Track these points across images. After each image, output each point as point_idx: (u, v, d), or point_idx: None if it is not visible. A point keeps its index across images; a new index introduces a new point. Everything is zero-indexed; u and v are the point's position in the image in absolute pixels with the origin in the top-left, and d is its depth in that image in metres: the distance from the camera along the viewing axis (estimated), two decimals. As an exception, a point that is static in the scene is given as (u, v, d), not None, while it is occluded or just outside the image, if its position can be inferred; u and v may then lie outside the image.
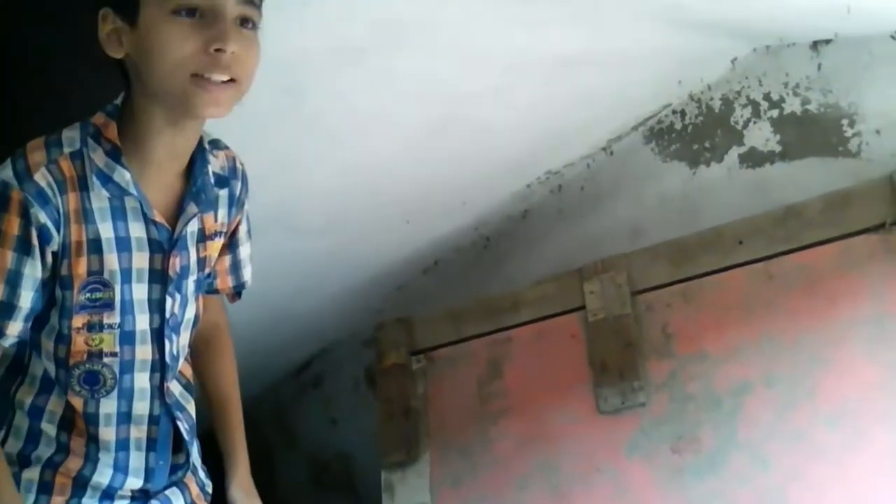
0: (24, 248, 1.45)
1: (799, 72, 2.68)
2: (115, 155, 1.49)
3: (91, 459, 1.60)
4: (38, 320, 1.54)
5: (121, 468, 1.61)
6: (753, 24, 2.58)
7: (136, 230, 1.53)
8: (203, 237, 1.64)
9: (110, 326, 1.54)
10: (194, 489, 1.75)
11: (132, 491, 1.64)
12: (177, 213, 1.57)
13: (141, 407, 1.61)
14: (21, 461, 1.58)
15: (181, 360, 1.69)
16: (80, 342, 1.53)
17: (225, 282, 1.80)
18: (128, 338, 1.56)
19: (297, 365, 3.87)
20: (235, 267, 1.79)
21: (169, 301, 1.59)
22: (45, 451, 1.58)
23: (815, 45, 2.65)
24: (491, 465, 2.67)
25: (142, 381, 1.60)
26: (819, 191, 2.47)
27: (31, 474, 1.57)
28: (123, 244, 1.52)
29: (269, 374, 3.80)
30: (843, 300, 2.35)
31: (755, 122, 2.77)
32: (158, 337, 1.60)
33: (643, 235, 2.87)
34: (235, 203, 1.70)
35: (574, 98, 2.73)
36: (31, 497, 1.56)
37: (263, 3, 1.49)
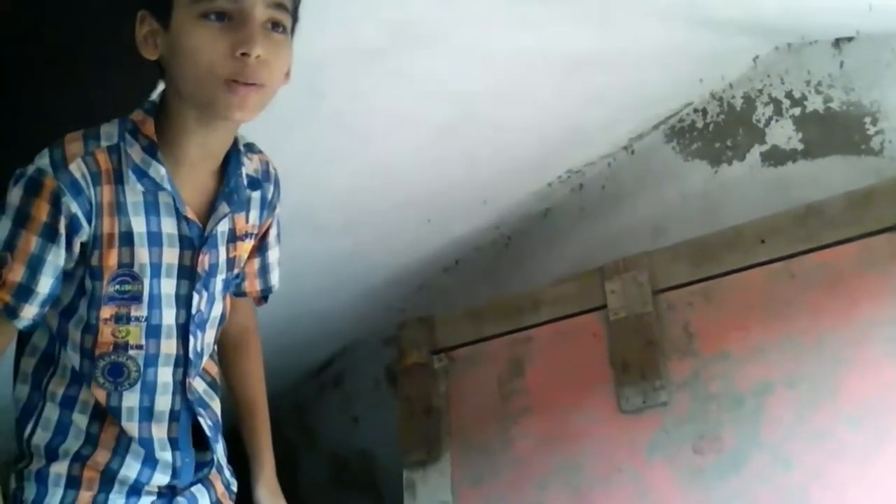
0: (49, 235, 1.47)
1: (821, 69, 2.67)
2: (151, 150, 1.51)
3: (119, 453, 1.61)
4: (68, 310, 1.56)
5: (147, 463, 1.62)
6: (775, 22, 2.57)
7: (168, 226, 1.55)
8: (233, 237, 1.66)
9: (137, 319, 1.56)
10: (219, 487, 1.75)
11: (159, 487, 1.64)
12: (208, 211, 1.59)
13: (163, 402, 1.62)
14: (48, 454, 1.59)
15: (205, 358, 1.70)
16: (107, 333, 1.55)
17: (253, 285, 1.81)
18: (154, 331, 1.58)
19: (318, 364, 3.88)
20: (264, 270, 1.81)
21: (196, 297, 1.60)
22: (73, 443, 1.60)
23: (838, 42, 2.64)
24: (512, 464, 2.67)
25: (165, 375, 1.62)
26: (841, 189, 2.46)
27: (60, 468, 1.59)
28: (155, 239, 1.54)
29: (291, 373, 3.81)
30: (865, 299, 2.33)
31: (777, 121, 2.76)
32: (183, 332, 1.61)
33: (664, 234, 2.86)
34: (267, 206, 1.72)
35: (594, 97, 2.73)
36: (60, 492, 1.58)
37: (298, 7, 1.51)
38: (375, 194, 2.87)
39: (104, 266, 1.52)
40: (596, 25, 2.40)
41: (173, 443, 1.64)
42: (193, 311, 1.61)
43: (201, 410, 1.69)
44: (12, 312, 1.50)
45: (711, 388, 2.45)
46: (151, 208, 1.53)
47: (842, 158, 2.63)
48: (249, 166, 1.66)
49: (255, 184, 1.67)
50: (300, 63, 2.08)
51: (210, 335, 1.69)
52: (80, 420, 1.60)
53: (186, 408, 1.66)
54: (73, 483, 1.59)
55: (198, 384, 1.70)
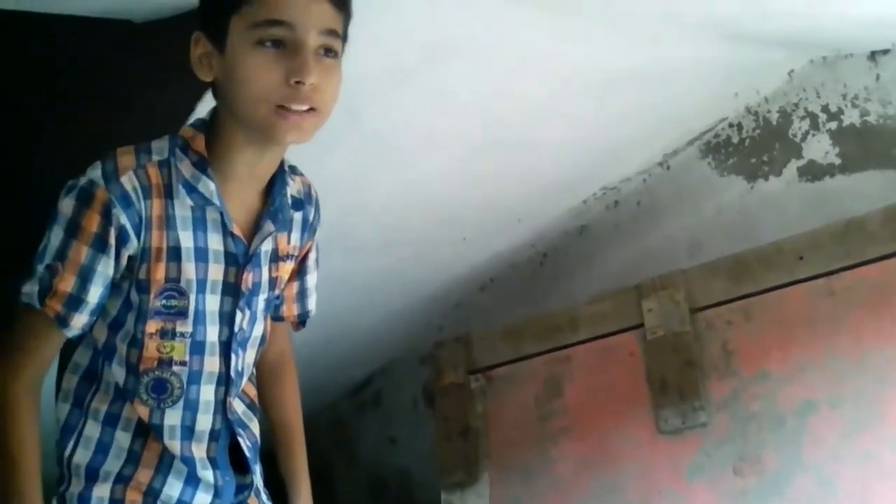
0: (99, 246, 1.49)
1: (857, 83, 2.65)
2: (201, 166, 1.53)
3: (162, 471, 1.61)
4: (115, 323, 1.58)
5: (190, 482, 1.62)
6: (810, 36, 2.55)
7: (215, 242, 1.57)
8: (276, 257, 1.67)
9: (182, 335, 1.57)
10: None
11: None
12: (253, 230, 1.61)
13: (203, 420, 1.63)
14: (88, 474, 1.59)
15: (245, 378, 1.70)
16: (152, 348, 1.56)
17: (291, 309, 1.82)
18: (198, 348, 1.59)
19: (356, 383, 3.88)
20: (302, 294, 1.81)
21: (239, 315, 1.61)
22: (113, 463, 1.59)
23: (873, 55, 2.61)
24: (551, 486, 2.65)
25: (207, 393, 1.62)
26: (879, 203, 2.42)
27: (102, 491, 1.58)
28: (201, 255, 1.56)
29: (329, 391, 3.82)
30: (908, 316, 2.30)
31: (813, 135, 2.74)
32: (226, 350, 1.62)
33: (701, 251, 2.84)
34: (308, 228, 1.74)
35: (629, 113, 2.72)
36: None
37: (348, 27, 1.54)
38: (411, 213, 2.88)
39: (151, 280, 1.53)
40: (630, 42, 2.40)
41: (213, 462, 1.64)
42: (236, 328, 1.62)
43: (241, 431, 1.69)
44: (63, 321, 1.52)
45: (752, 409, 2.41)
46: (199, 223, 1.55)
47: (880, 173, 2.61)
48: (293, 187, 1.67)
49: (298, 204, 1.69)
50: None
51: (251, 355, 1.70)
52: (123, 438, 1.60)
53: (226, 427, 1.66)
54: None
55: (237, 405, 1.70)
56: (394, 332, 3.54)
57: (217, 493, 1.64)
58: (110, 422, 1.60)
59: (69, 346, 1.63)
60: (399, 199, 2.81)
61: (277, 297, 1.75)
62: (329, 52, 1.48)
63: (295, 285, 1.79)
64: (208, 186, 1.53)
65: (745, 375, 2.46)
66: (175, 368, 1.58)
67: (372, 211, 2.80)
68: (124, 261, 1.52)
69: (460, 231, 3.09)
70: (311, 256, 1.79)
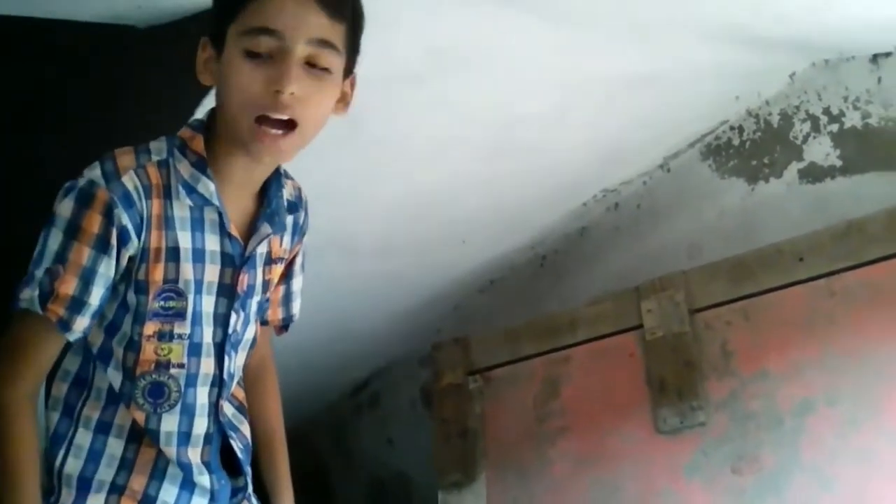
0: (101, 247, 1.46)
1: (858, 85, 2.65)
2: (200, 166, 1.52)
3: (156, 477, 1.57)
4: (112, 326, 1.54)
5: (185, 487, 1.59)
6: (811, 38, 2.55)
7: (212, 243, 1.55)
8: (269, 260, 1.66)
9: (180, 337, 1.55)
10: None
11: None
12: (249, 231, 1.59)
13: (199, 424, 1.60)
14: (81, 484, 1.54)
15: (236, 380, 1.68)
16: (149, 350, 1.54)
17: (276, 313, 1.80)
18: (195, 349, 1.57)
19: (354, 384, 3.88)
20: (287, 299, 1.80)
21: (233, 317, 1.60)
22: (106, 472, 1.55)
23: (875, 58, 2.61)
24: (549, 486, 2.65)
25: (202, 396, 1.60)
26: (880, 206, 2.43)
27: (96, 502, 1.54)
28: (199, 255, 1.54)
29: (327, 393, 3.81)
30: (906, 316, 2.30)
31: (815, 137, 2.74)
32: (219, 352, 1.60)
33: (701, 253, 2.84)
34: (298, 232, 1.73)
35: (629, 116, 2.72)
36: None
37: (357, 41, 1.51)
38: (411, 217, 2.88)
39: (150, 281, 1.51)
40: (631, 47, 2.41)
41: (208, 466, 1.61)
42: (230, 330, 1.60)
43: (232, 433, 1.66)
44: (65, 326, 1.48)
45: (750, 408, 2.42)
46: (197, 224, 1.54)
47: (880, 175, 2.60)
48: (288, 191, 1.67)
49: (292, 207, 1.68)
50: None
51: (242, 357, 1.68)
52: (115, 445, 1.56)
53: (218, 430, 1.64)
54: None
55: (227, 408, 1.67)
56: (393, 334, 3.54)
57: (213, 498, 1.62)
58: (102, 429, 1.57)
59: (62, 353, 1.58)
60: (398, 204, 2.81)
61: (267, 301, 1.73)
62: (321, 63, 1.45)
63: (281, 289, 1.78)
64: (208, 187, 1.51)
65: (743, 375, 2.46)
66: (173, 371, 1.55)
67: (372, 215, 2.81)
68: (124, 262, 1.49)
69: (460, 234, 3.09)
70: (298, 260, 1.78)
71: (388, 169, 2.63)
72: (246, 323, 1.65)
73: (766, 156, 2.83)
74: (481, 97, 2.46)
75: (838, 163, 2.69)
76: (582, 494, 2.59)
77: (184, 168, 1.52)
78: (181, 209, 1.52)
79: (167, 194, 1.51)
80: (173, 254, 1.52)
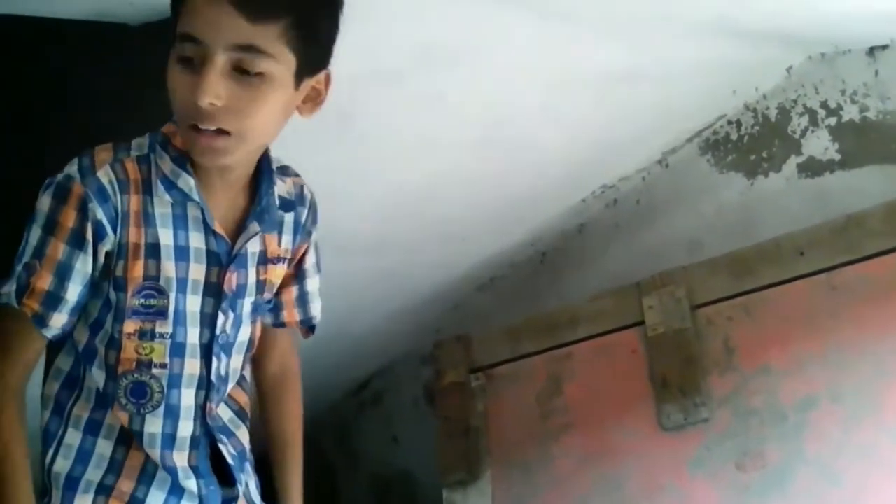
0: (76, 242, 1.44)
1: (856, 79, 2.65)
2: (180, 162, 1.48)
3: (144, 481, 1.56)
4: (95, 324, 1.53)
5: (173, 492, 1.57)
6: (807, 32, 2.55)
7: (196, 240, 1.51)
8: (264, 259, 1.61)
9: (162, 336, 1.52)
10: None
11: None
12: (238, 229, 1.55)
13: (184, 427, 1.57)
14: (68, 484, 1.53)
15: (231, 383, 1.64)
16: (130, 349, 1.51)
17: (292, 315, 1.75)
18: (178, 350, 1.53)
19: (356, 384, 3.88)
20: (303, 300, 1.74)
21: (221, 318, 1.56)
22: (94, 473, 1.54)
23: (872, 51, 2.61)
24: (553, 483, 2.65)
25: (187, 398, 1.56)
26: (879, 199, 2.43)
27: (83, 502, 1.53)
28: (182, 253, 1.51)
29: (329, 393, 3.81)
30: (908, 310, 2.30)
31: (813, 131, 2.74)
32: (206, 353, 1.56)
33: (701, 248, 2.84)
34: (301, 230, 1.67)
35: (626, 112, 2.72)
36: None
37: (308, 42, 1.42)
38: (406, 214, 2.88)
39: (129, 277, 1.48)
40: (626, 41, 2.40)
41: (195, 470, 1.59)
42: (218, 331, 1.56)
43: (224, 438, 1.63)
44: (40, 321, 1.47)
45: (753, 404, 2.42)
46: (180, 221, 1.50)
47: (879, 168, 2.61)
48: (282, 188, 1.61)
49: (288, 206, 1.63)
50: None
51: (237, 360, 1.64)
52: (104, 446, 1.55)
53: (206, 434, 1.61)
54: None
55: (223, 411, 1.65)
56: (393, 332, 3.54)
57: (202, 503, 1.59)
58: (91, 429, 1.55)
59: (52, 352, 1.59)
60: (393, 201, 2.81)
61: (269, 302, 1.68)
62: (250, 68, 1.36)
63: (294, 290, 1.73)
64: (188, 182, 1.48)
65: (746, 371, 2.47)
66: (155, 371, 1.52)
67: (366, 213, 2.80)
68: (102, 257, 1.47)
69: (458, 231, 3.09)
70: (310, 260, 1.73)
71: (379, 166, 2.62)
72: (237, 324, 1.60)
73: (764, 150, 2.84)
74: (471, 93, 2.45)
75: (837, 156, 2.69)
76: (586, 490, 2.59)
77: (164, 164, 1.49)
78: (162, 205, 1.49)
79: (147, 190, 1.48)
80: (153, 251, 1.49)
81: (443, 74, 2.33)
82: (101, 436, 1.55)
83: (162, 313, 1.51)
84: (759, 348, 2.46)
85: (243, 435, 1.69)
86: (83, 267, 1.46)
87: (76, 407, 1.56)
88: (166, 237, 1.49)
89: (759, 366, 2.45)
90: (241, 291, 1.58)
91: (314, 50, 1.43)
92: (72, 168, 1.46)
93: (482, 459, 2.81)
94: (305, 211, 1.67)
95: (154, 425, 1.55)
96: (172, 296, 1.51)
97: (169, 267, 1.50)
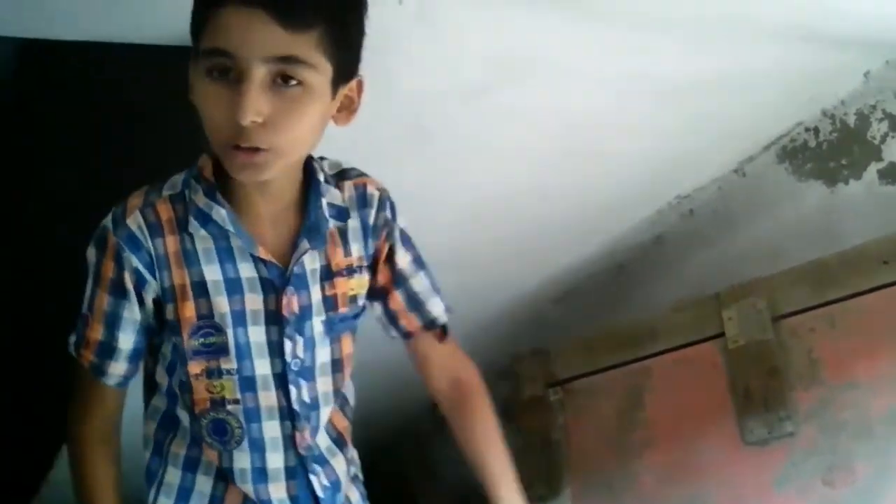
0: (119, 292, 1.46)
1: (935, 82, 2.59)
2: (210, 193, 1.45)
3: None
4: (171, 366, 1.53)
5: None
6: (884, 36, 2.50)
7: (246, 270, 1.46)
8: (329, 274, 1.53)
9: (228, 372, 1.48)
10: None
11: None
12: (292, 249, 1.49)
13: (274, 459, 1.54)
14: None
15: (323, 408, 1.57)
16: (201, 389, 1.50)
17: (410, 322, 1.66)
18: (248, 384, 1.49)
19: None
20: (414, 303, 1.65)
21: (288, 344, 1.49)
22: None
23: (951, 54, 2.56)
24: (635, 499, 2.63)
25: (271, 430, 1.53)
26: (964, 205, 2.38)
27: None
28: (233, 286, 1.46)
29: (408, 407, 3.81)
30: None
31: (893, 136, 2.68)
32: (282, 382, 1.51)
33: (781, 258, 2.78)
34: (371, 233, 1.58)
35: (702, 121, 2.69)
36: None
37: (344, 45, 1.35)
38: (482, 229, 2.87)
39: (181, 319, 1.46)
40: (701, 49, 2.37)
41: (295, 501, 1.56)
42: (288, 358, 1.50)
43: (317, 468, 1.58)
44: (98, 370, 1.51)
45: (841, 417, 2.36)
46: (225, 254, 1.46)
47: (961, 173, 2.55)
48: (336, 196, 1.54)
49: (341, 214, 1.54)
50: (403, 102, 2.14)
51: (324, 383, 1.57)
52: (204, 483, 1.55)
53: (301, 464, 1.56)
54: None
55: (322, 439, 1.59)
56: (469, 347, 3.48)
57: None
58: (190, 467, 1.56)
59: (149, 392, 1.60)
60: (470, 216, 2.80)
61: (355, 317, 1.59)
62: (289, 80, 1.30)
63: (399, 295, 1.64)
64: (220, 213, 1.43)
65: (832, 384, 2.41)
66: (230, 408, 1.50)
67: (441, 226, 2.78)
68: (150, 303, 1.47)
69: (534, 244, 3.08)
70: (403, 259, 1.63)
71: (457, 181, 2.62)
72: (311, 347, 1.53)
73: (843, 157, 2.78)
74: (548, 106, 2.44)
75: (918, 163, 2.64)
76: (670, 508, 2.57)
77: (199, 198, 1.45)
78: (203, 241, 1.45)
79: (183, 228, 1.45)
80: (201, 289, 1.46)
81: (519, 88, 2.32)
82: (200, 472, 1.56)
83: (223, 350, 1.47)
84: (844, 360, 2.40)
85: (339, 464, 1.63)
86: (130, 315, 1.48)
87: (173, 444, 1.57)
88: (213, 273, 1.46)
89: (845, 378, 2.38)
90: (306, 313, 1.51)
91: (348, 56, 1.38)
92: (107, 218, 1.47)
93: (562, 475, 2.80)
94: (373, 211, 1.58)
95: (242, 460, 1.53)
96: (230, 331, 1.47)
97: (221, 302, 1.46)
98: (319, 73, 1.32)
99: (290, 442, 1.54)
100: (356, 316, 1.60)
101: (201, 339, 1.47)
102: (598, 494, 2.71)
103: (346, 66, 1.37)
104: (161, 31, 1.90)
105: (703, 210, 3.07)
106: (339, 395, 1.62)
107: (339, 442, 1.65)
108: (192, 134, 1.43)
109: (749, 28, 2.34)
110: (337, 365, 1.59)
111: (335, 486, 1.62)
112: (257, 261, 1.46)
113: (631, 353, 2.82)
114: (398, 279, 1.63)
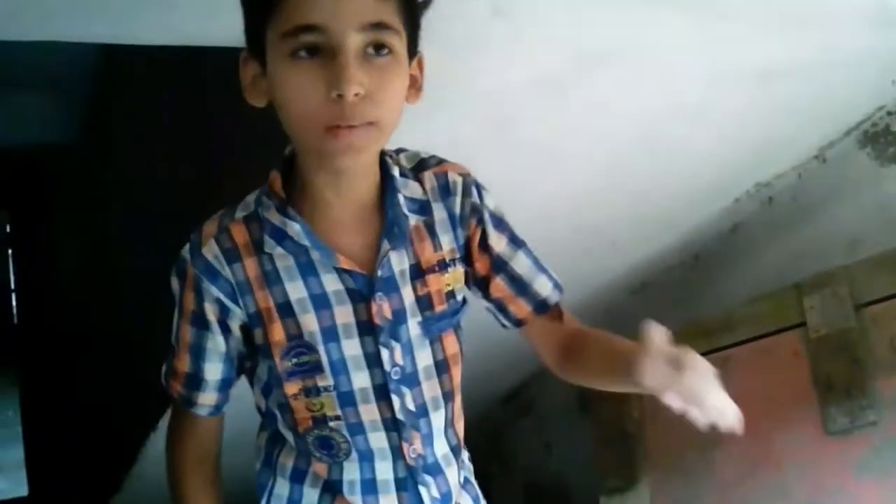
0: (201, 323, 1.44)
1: None
2: (282, 209, 1.40)
3: None
4: (266, 388, 1.51)
5: None
6: (970, 16, 2.44)
7: (331, 283, 1.41)
8: (419, 272, 1.47)
9: (326, 389, 1.44)
10: None
11: None
12: (376, 253, 1.43)
13: (384, 470, 1.51)
14: None
15: (433, 413, 1.52)
16: (301, 409, 1.47)
17: (520, 308, 1.57)
18: (347, 399, 1.46)
19: (508, 390, 3.88)
20: (519, 287, 1.56)
21: (385, 353, 1.44)
22: None
23: None
24: (714, 489, 2.60)
25: (378, 441, 1.49)
26: None
27: None
28: (320, 301, 1.42)
29: (482, 401, 3.83)
30: None
31: (978, 119, 2.62)
32: (384, 393, 1.46)
33: (862, 245, 2.74)
34: (459, 223, 1.50)
35: (780, 108, 2.65)
36: None
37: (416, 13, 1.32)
38: (559, 221, 2.86)
39: (271, 343, 1.43)
40: (782, 35, 2.34)
41: None
42: (387, 367, 1.45)
43: (428, 479, 1.53)
44: (187, 401, 1.52)
45: (925, 406, 2.32)
46: (307, 269, 1.41)
47: None
48: (416, 189, 1.47)
49: (423, 208, 1.47)
50: (487, 95, 2.15)
51: (431, 387, 1.51)
52: (311, 495, 1.53)
53: (411, 475, 1.52)
54: None
55: (440, 446, 1.54)
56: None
57: None
58: (297, 478, 1.54)
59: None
60: (547, 208, 2.79)
61: (454, 314, 1.52)
62: (381, 48, 1.26)
63: (501, 282, 1.54)
64: (293, 228, 1.38)
65: (915, 371, 2.36)
66: (332, 424, 1.47)
67: (523, 219, 2.79)
68: (237, 331, 1.45)
69: (609, 236, 3.06)
70: (499, 243, 1.54)
71: (535, 172, 2.61)
72: (409, 351, 1.47)
73: (927, 141, 2.73)
74: (627, 96, 2.42)
75: None
76: (750, 498, 2.54)
77: (272, 215, 1.40)
78: (281, 259, 1.41)
79: (260, 249, 1.41)
80: (286, 309, 1.42)
81: (600, 78, 2.31)
82: (308, 484, 1.54)
83: (317, 368, 1.43)
84: (929, 347, 2.36)
85: (452, 474, 1.58)
86: (214, 346, 1.46)
87: (282, 455, 1.56)
88: (296, 291, 1.42)
89: (929, 366, 2.34)
90: (400, 317, 1.46)
91: (417, 25, 1.35)
92: (185, 248, 1.44)
93: (639, 465, 2.78)
94: (458, 199, 1.50)
95: (352, 472, 1.51)
96: (321, 348, 1.43)
97: (308, 320, 1.42)
98: (400, 40, 1.29)
99: (398, 452, 1.51)
100: (455, 313, 1.52)
101: (294, 360, 1.44)
102: (677, 486, 2.69)
103: (415, 35, 1.35)
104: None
105: (782, 198, 3.03)
106: (449, 396, 1.55)
107: (456, 450, 1.60)
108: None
109: (831, 13, 2.30)
110: (441, 366, 1.52)
111: (445, 498, 1.57)
112: (340, 272, 1.41)
113: (708, 344, 2.78)
114: (497, 264, 1.54)
